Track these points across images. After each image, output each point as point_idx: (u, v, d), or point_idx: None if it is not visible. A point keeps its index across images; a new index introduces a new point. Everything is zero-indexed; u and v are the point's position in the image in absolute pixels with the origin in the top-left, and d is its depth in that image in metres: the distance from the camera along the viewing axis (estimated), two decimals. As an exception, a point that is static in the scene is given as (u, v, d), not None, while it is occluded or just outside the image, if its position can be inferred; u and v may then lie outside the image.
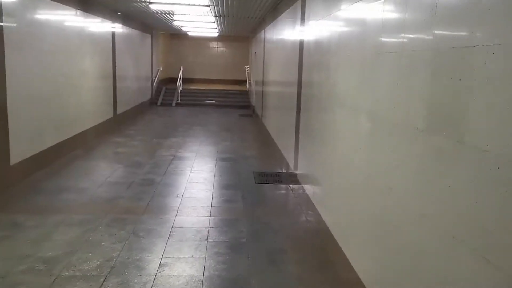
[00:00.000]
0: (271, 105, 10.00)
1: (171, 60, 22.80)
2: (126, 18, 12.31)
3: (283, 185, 6.58)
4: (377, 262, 2.99)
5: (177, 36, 22.65)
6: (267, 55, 11.38)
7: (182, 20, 12.89)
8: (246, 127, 12.64)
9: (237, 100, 18.28)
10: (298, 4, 6.41)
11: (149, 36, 16.45)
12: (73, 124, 8.38)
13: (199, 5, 9.04)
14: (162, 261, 3.95)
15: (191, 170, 7.32)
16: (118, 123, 11.68)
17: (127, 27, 12.67)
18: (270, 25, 10.39)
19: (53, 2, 7.38)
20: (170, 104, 17.40)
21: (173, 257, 4.05)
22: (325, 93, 4.69)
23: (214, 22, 13.08)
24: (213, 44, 23.46)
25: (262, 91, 12.20)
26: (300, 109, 6.13)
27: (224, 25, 14.00)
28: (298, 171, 6.35)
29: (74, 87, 8.34)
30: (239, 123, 13.44)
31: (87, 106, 9.19)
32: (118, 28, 11.58)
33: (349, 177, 3.72)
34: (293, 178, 6.62)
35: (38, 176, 6.61)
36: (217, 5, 9.18)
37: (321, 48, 4.95)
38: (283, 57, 8.13)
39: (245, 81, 20.96)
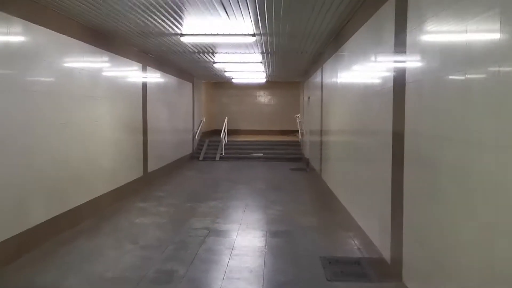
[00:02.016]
0: (337, 158, 7.73)
1: (215, 111, 21.34)
2: (160, 61, 10.79)
3: (372, 285, 4.17)
4: None
5: (220, 84, 21.29)
6: (326, 99, 9.29)
7: (225, 62, 11.21)
8: (300, 184, 10.37)
9: (287, 152, 16.17)
10: (390, 5, 4.27)
11: (189, 84, 14.99)
12: (78, 190, 6.51)
13: (241, 34, 7.22)
14: None
15: (230, 255, 5.08)
16: (149, 183, 9.80)
17: (163, 72, 11.13)
18: (331, 58, 8.37)
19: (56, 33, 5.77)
20: (213, 158, 15.55)
21: None
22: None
23: (261, 63, 11.30)
24: (260, 92, 21.86)
25: (321, 142, 10.01)
26: (401, 162, 3.83)
27: (272, 66, 12.20)
28: (395, 256, 3.95)
29: (81, 141, 6.55)
30: (292, 179, 11.20)
31: (104, 164, 7.37)
32: (150, 72, 10.01)
33: None
34: (386, 269, 4.22)
35: (11, 268, 4.63)
36: (264, 34, 7.32)
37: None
38: (357, 98, 5.96)
39: (296, 131, 18.93)
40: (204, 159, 15.61)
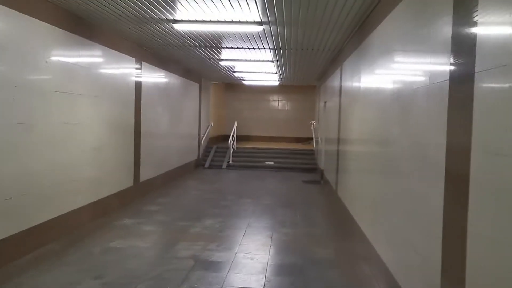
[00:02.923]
0: (357, 172, 6.45)
1: (225, 115, 20.19)
2: (159, 57, 9.68)
3: None
4: None
5: (232, 87, 20.15)
6: (345, 102, 8.04)
7: (232, 60, 10.04)
8: (313, 200, 9.09)
9: (300, 161, 14.88)
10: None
11: (196, 85, 13.87)
12: (42, 204, 5.36)
13: (246, 22, 6.02)
14: None
15: (216, 301, 3.86)
16: (141, 194, 8.65)
17: (163, 70, 10.02)
18: (352, 55, 7.13)
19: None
20: (220, 166, 14.36)
21: None
22: None
23: (272, 62, 10.10)
24: (273, 97, 20.64)
25: (337, 151, 8.73)
26: (464, 189, 2.53)
27: (285, 66, 10.99)
28: None
29: (49, 145, 5.41)
30: (304, 194, 9.93)
31: (81, 173, 6.23)
32: (147, 69, 8.89)
33: None
34: None
35: None
36: (273, 23, 6.11)
37: None
38: (387, 99, 4.68)
39: (311, 138, 17.66)
40: (210, 166, 14.43)
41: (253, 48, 8.34)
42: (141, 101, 8.60)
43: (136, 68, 8.28)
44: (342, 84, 8.40)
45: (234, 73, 12.66)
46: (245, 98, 20.53)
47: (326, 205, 8.57)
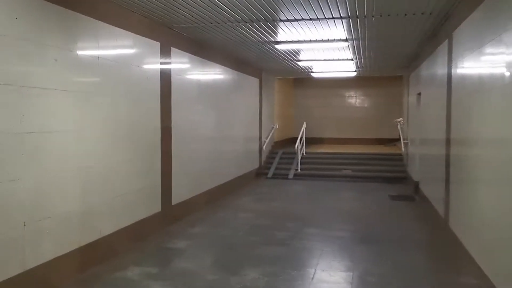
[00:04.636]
0: (497, 185, 3.74)
1: (293, 114, 17.79)
2: (199, 43, 7.60)
3: None
4: None
5: (301, 82, 17.69)
6: (460, 87, 5.30)
7: (292, 41, 7.66)
8: (408, 231, 6.40)
9: (385, 169, 12.03)
10: None
11: (255, 80, 11.68)
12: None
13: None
14: None
15: None
16: (171, 220, 6.58)
17: (203, 60, 7.92)
18: (478, 9, 4.42)
19: None
20: (286, 176, 12.00)
21: None
22: None
23: (347, 41, 7.54)
24: (349, 91, 17.81)
25: (447, 156, 5.96)
26: None
27: (363, 49, 8.35)
28: None
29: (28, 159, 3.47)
30: (393, 218, 7.26)
31: (57, 205, 4.25)
32: (177, 56, 6.84)
33: None
34: None
35: None
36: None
37: None
38: None
39: (397, 139, 14.73)
40: (274, 176, 12.12)
41: (319, 18, 5.89)
42: (171, 99, 6.55)
43: (162, 55, 6.24)
44: (454, 64, 5.65)
45: (298, 62, 10.24)
46: (317, 94, 17.94)
47: (430, 242, 5.86)
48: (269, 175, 12.14)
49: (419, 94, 9.21)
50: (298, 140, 12.64)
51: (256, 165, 11.98)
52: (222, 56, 8.80)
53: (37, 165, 3.91)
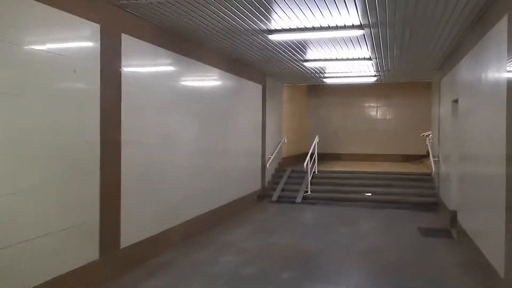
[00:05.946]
0: None
1: (306, 127, 15.94)
2: (165, 31, 5.93)
3: None
4: None
5: (313, 91, 15.89)
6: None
7: (294, 29, 5.90)
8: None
9: (412, 192, 10.03)
10: None
11: (257, 86, 9.95)
12: None
13: None
14: None
15: None
16: (118, 270, 4.83)
17: (180, 55, 6.23)
18: None
19: None
20: (293, 200, 10.14)
21: None
22: None
23: (361, 27, 5.72)
24: (369, 101, 15.83)
25: (509, 178, 4.03)
26: None
27: (385, 45, 6.51)
28: None
29: None
30: (426, 267, 5.32)
31: None
32: (132, 47, 5.16)
33: None
34: None
35: None
36: None
37: None
38: None
39: (424, 156, 12.74)
40: (279, 199, 10.28)
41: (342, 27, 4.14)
42: (122, 103, 4.86)
43: (104, 44, 4.56)
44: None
45: (304, 63, 8.45)
46: (332, 103, 16.04)
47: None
48: (274, 198, 10.29)
49: (456, 101, 7.29)
50: (308, 156, 10.77)
51: (258, 186, 10.17)
52: (209, 53, 7.12)
53: None
